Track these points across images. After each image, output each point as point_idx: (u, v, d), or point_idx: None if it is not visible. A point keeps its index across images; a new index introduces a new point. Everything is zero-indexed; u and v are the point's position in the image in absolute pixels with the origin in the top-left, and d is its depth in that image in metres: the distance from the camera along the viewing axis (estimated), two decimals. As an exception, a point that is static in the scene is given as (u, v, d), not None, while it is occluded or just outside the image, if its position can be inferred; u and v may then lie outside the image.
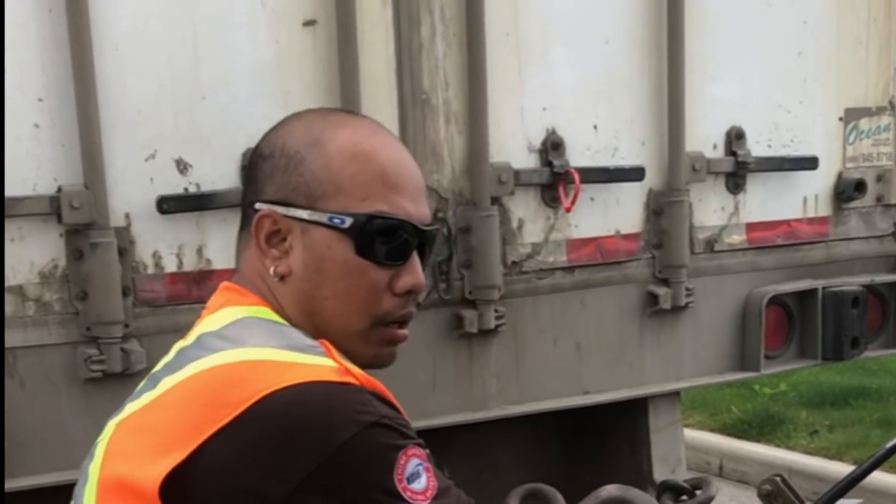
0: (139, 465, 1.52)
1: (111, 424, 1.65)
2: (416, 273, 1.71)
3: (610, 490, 3.33)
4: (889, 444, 2.78)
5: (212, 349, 1.61)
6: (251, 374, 1.53)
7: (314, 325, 1.69)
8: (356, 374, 1.56)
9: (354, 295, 1.69)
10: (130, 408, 1.64)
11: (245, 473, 1.48)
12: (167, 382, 1.61)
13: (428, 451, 1.57)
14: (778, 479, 2.85)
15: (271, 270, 1.69)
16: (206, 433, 1.48)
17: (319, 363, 1.57)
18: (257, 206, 1.69)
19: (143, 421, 1.59)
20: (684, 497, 3.42)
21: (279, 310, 1.70)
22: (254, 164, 1.75)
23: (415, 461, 1.51)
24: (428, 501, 1.51)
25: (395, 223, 1.67)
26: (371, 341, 1.72)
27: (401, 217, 1.68)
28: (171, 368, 1.64)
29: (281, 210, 1.67)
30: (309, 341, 1.63)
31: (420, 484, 1.51)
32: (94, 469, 1.62)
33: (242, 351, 1.58)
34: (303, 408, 1.49)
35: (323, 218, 1.66)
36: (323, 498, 1.47)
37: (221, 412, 1.49)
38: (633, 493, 3.29)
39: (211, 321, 1.70)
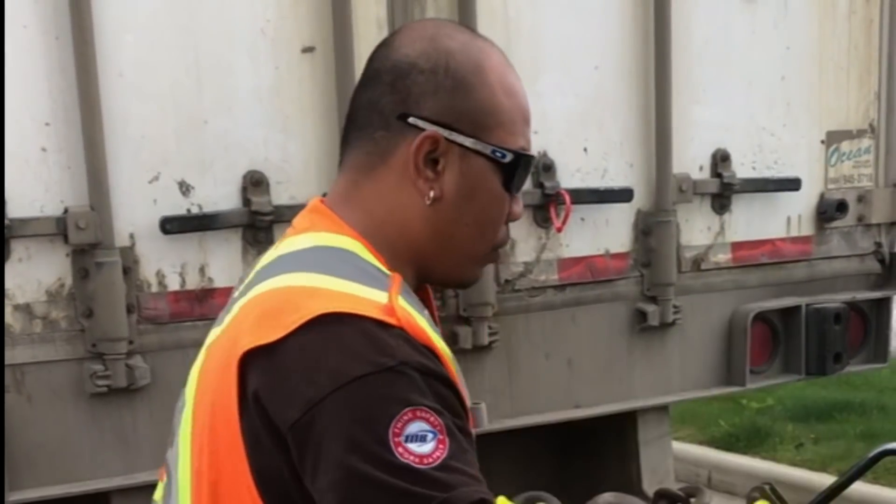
0: (219, 382, 1.58)
1: (203, 350, 1.71)
2: (521, 202, 1.77)
3: (606, 497, 3.41)
4: (870, 455, 2.88)
5: (279, 272, 1.63)
6: (303, 299, 1.54)
7: (443, 248, 1.71)
8: (400, 316, 1.53)
9: (491, 223, 1.72)
10: (214, 332, 1.71)
11: (271, 398, 1.51)
12: (240, 303, 1.65)
13: (459, 423, 1.50)
14: (766, 487, 2.94)
15: (431, 193, 1.67)
16: (249, 347, 1.53)
17: (368, 296, 1.55)
18: (412, 120, 1.66)
19: (222, 342, 1.64)
20: None
21: (381, 238, 1.69)
22: (405, 72, 1.67)
23: (424, 425, 1.45)
24: (423, 467, 1.43)
25: (532, 159, 1.74)
26: (481, 264, 1.79)
27: (532, 153, 1.74)
28: (244, 291, 1.68)
29: (445, 133, 1.66)
30: (376, 273, 1.63)
31: (422, 448, 1.44)
32: (190, 392, 1.69)
33: (302, 276, 1.60)
34: (331, 338, 1.49)
35: (486, 149, 1.67)
36: (322, 428, 1.45)
37: (269, 332, 1.52)
38: (629, 500, 3.36)
39: (290, 243, 1.72)
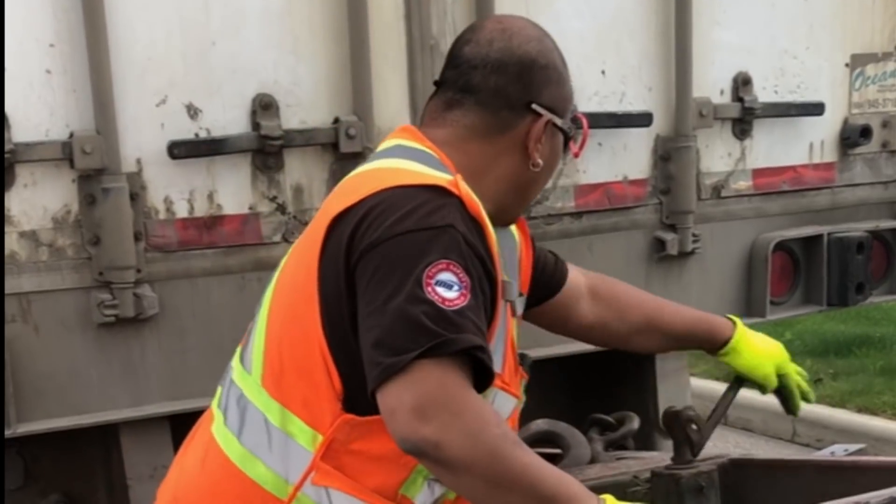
0: (306, 246, 2.06)
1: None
2: None
3: (539, 424, 3.63)
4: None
5: (367, 162, 2.16)
6: (385, 174, 2.01)
7: (519, 198, 2.24)
8: (463, 190, 1.97)
9: (548, 180, 2.33)
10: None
11: (344, 240, 1.94)
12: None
13: (483, 288, 1.91)
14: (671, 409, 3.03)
15: (539, 161, 2.19)
16: (337, 211, 1.98)
17: (442, 175, 2.00)
18: (535, 107, 2.16)
19: (312, 224, 2.11)
20: (608, 431, 3.72)
21: (469, 178, 2.06)
22: (528, 67, 2.16)
23: (453, 276, 1.84)
24: (444, 307, 1.81)
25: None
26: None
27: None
28: None
29: (553, 118, 2.20)
30: (446, 169, 2.05)
31: (448, 292, 1.82)
32: (277, 274, 2.18)
33: (387, 160, 2.09)
34: (402, 197, 1.92)
35: (566, 127, 2.26)
36: (376, 264, 1.87)
37: (352, 197, 1.98)
38: (560, 426, 3.58)
39: (381, 145, 2.24)
